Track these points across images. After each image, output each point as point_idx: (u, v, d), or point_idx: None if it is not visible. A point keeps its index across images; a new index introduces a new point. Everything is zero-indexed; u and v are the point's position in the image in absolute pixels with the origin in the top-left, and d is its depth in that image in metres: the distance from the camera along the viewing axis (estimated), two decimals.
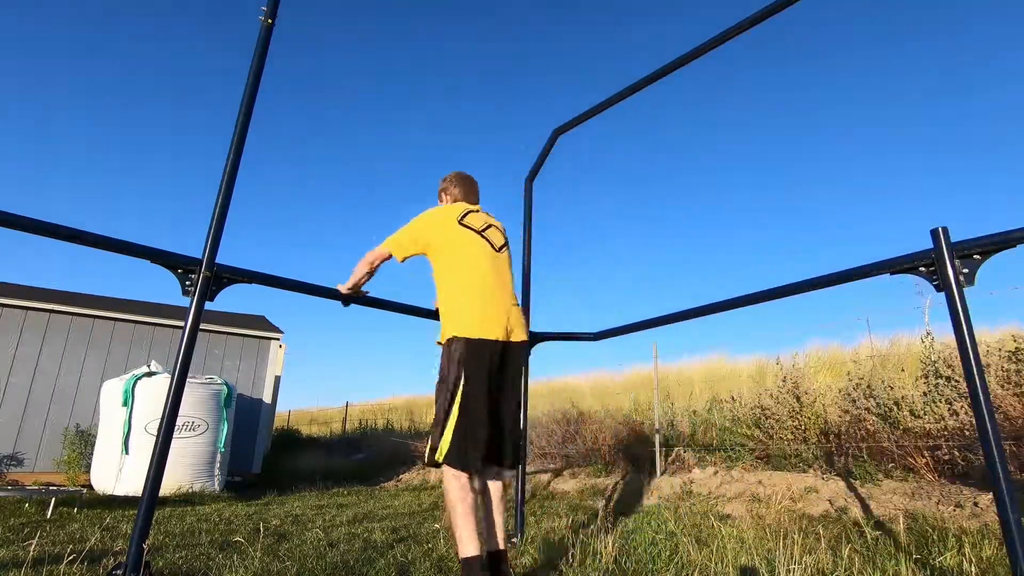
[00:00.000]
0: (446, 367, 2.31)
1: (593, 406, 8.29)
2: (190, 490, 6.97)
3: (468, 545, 2.12)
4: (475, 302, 2.37)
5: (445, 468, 2.21)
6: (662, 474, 5.76)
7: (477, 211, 2.64)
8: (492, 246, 2.53)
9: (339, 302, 2.89)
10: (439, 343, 2.42)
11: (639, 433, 6.74)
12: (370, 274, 2.72)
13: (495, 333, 2.32)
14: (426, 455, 2.28)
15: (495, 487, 2.41)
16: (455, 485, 2.18)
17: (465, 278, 2.42)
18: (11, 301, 8.57)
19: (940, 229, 2.04)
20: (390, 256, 2.61)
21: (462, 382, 2.24)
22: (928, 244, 2.07)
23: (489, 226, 2.60)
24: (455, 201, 2.75)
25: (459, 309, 2.37)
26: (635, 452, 6.41)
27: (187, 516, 5.00)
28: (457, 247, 2.48)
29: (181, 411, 2.24)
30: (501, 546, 2.32)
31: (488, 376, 2.29)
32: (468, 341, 2.28)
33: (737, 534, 3.52)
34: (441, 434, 2.22)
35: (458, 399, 2.23)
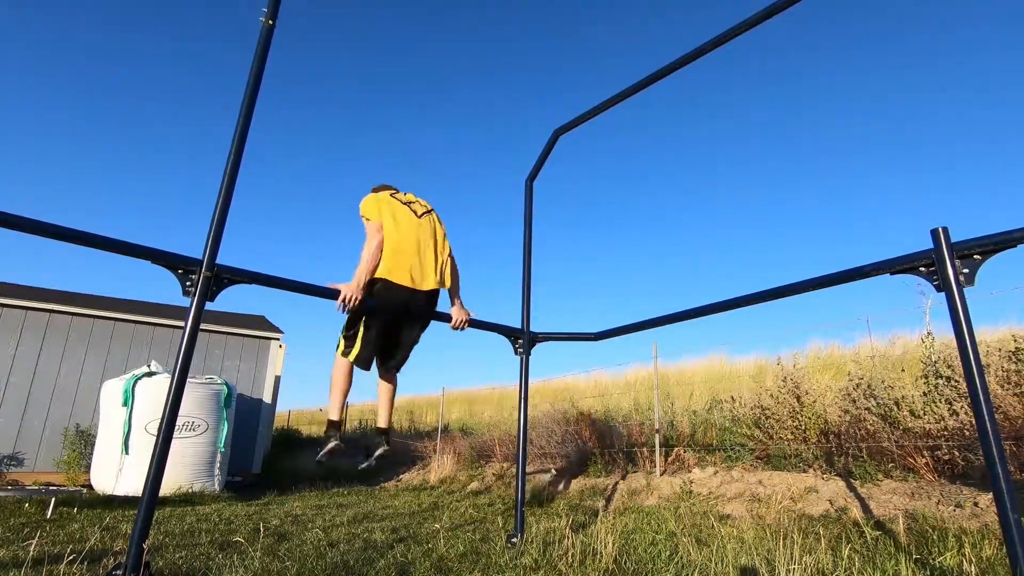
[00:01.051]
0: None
1: (593, 406, 8.29)
2: (190, 490, 6.97)
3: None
4: (394, 256, 3.07)
5: (342, 359, 3.07)
6: (662, 474, 5.76)
7: (399, 192, 3.45)
8: (415, 214, 3.28)
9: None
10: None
11: (639, 433, 6.74)
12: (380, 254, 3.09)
13: (406, 281, 3.05)
14: (340, 349, 3.09)
15: (384, 385, 3.36)
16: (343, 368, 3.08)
17: (392, 237, 3.11)
18: (11, 301, 8.56)
19: (940, 229, 2.04)
20: (379, 227, 3.12)
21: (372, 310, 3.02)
22: (928, 244, 2.07)
23: (412, 201, 3.37)
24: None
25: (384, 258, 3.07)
26: (635, 452, 6.41)
27: (187, 516, 5.00)
28: (388, 213, 3.20)
29: (181, 411, 2.24)
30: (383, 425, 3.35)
31: (393, 309, 3.07)
32: (384, 282, 3.02)
33: (737, 534, 3.53)
34: (352, 339, 3.07)
35: (363, 320, 3.05)
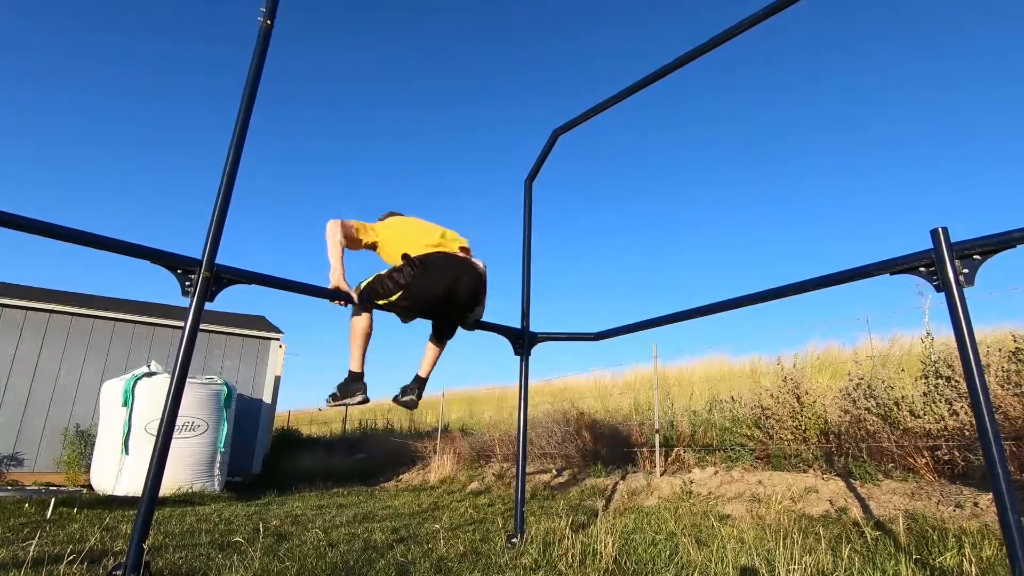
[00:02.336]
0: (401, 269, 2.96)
1: (593, 406, 8.29)
2: (190, 490, 6.97)
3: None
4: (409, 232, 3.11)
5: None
6: (662, 474, 5.76)
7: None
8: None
9: (344, 303, 2.90)
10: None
11: (639, 433, 6.74)
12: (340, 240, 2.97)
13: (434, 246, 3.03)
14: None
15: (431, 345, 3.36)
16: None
17: (403, 226, 3.17)
18: (11, 301, 8.56)
19: (940, 229, 2.04)
20: (345, 227, 2.98)
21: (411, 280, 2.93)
22: (928, 244, 2.07)
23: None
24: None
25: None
26: (635, 452, 6.41)
27: (187, 516, 5.00)
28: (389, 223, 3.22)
29: (181, 411, 2.24)
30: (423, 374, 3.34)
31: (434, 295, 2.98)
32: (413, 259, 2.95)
33: (737, 534, 3.53)
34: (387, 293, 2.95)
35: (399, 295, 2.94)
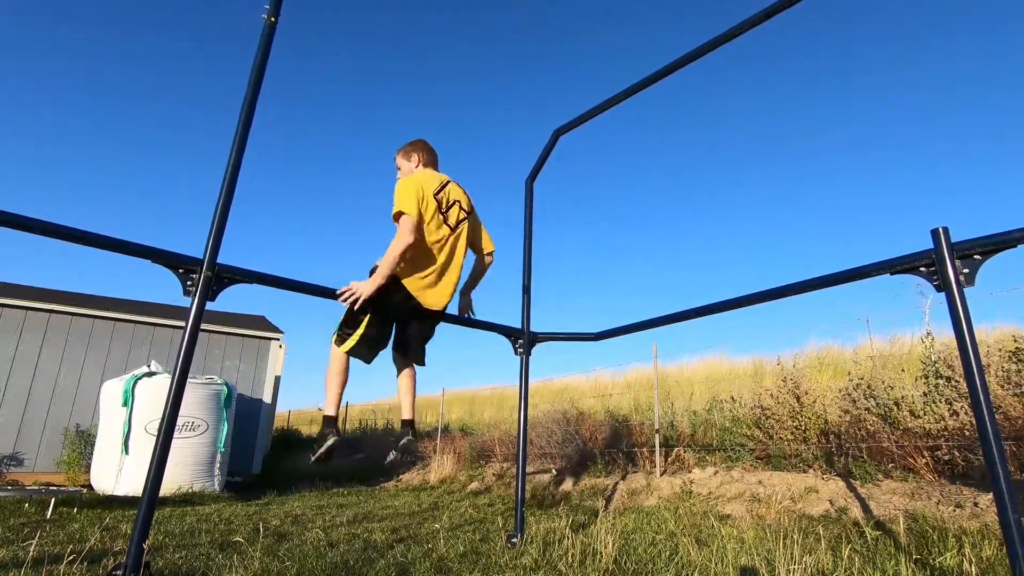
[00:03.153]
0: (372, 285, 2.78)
1: (593, 406, 8.28)
2: (190, 490, 6.96)
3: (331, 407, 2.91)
4: (418, 266, 2.90)
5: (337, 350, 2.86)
6: (662, 474, 5.76)
7: (448, 183, 3.09)
8: (450, 226, 3.01)
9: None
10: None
11: (639, 433, 6.73)
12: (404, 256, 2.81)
13: (423, 297, 2.91)
14: (335, 339, 2.88)
15: (403, 376, 3.14)
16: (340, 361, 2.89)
17: (422, 246, 2.89)
18: (11, 301, 8.56)
19: (940, 229, 2.04)
20: (414, 226, 2.79)
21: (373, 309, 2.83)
22: (928, 244, 2.07)
23: (454, 203, 3.06)
24: (424, 165, 3.20)
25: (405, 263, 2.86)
26: (635, 452, 6.41)
27: (187, 516, 4.99)
28: (426, 213, 2.91)
29: (181, 411, 2.24)
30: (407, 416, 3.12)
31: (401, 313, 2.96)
32: (401, 287, 2.85)
33: (737, 534, 3.53)
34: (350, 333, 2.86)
35: (367, 318, 2.83)
